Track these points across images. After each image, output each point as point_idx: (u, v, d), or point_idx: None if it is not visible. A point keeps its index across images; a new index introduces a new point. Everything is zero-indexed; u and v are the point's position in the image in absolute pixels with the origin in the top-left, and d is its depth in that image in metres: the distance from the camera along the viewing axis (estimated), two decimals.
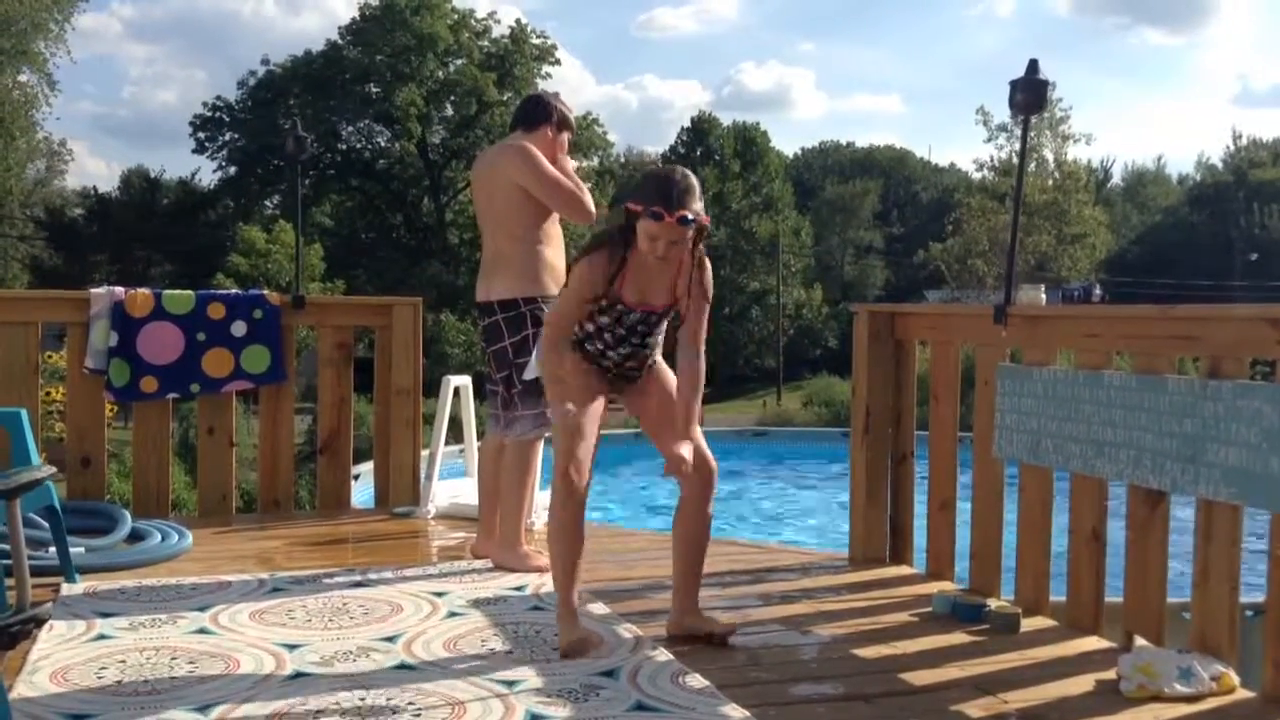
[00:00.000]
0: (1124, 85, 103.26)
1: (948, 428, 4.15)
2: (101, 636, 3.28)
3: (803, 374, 40.03)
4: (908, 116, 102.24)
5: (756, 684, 2.99)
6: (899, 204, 58.20)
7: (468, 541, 4.58)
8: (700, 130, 46.72)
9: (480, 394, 5.23)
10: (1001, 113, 31.13)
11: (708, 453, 3.39)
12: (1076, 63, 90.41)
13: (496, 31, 43.72)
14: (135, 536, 4.48)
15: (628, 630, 3.39)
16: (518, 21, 44.38)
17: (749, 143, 46.63)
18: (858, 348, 4.46)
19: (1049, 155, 33.69)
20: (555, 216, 4.22)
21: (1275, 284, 39.29)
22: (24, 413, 4.07)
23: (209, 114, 42.96)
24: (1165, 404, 3.17)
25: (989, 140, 39.81)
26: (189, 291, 5.22)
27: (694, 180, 3.17)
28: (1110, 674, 3.05)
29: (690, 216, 3.09)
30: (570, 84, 73.06)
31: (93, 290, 5.09)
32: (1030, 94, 3.71)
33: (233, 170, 43.11)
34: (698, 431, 3.38)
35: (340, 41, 42.04)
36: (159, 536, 4.47)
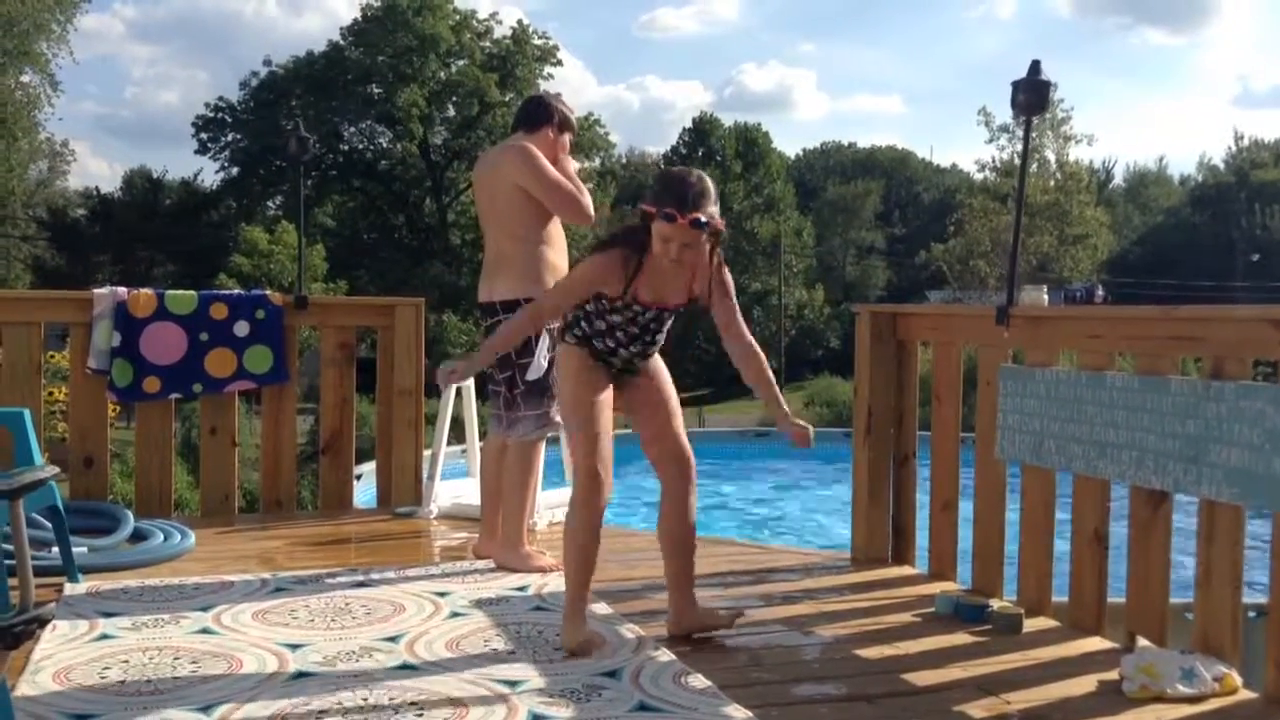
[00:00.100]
0: (1125, 86, 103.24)
1: (950, 428, 4.15)
2: (104, 636, 3.28)
3: (804, 374, 39.97)
4: (909, 117, 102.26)
5: (759, 684, 2.99)
6: (901, 204, 58.17)
7: (470, 542, 4.58)
8: (702, 131, 46.70)
9: (482, 394, 5.23)
10: (1003, 113, 31.14)
11: (686, 447, 3.41)
12: (1078, 63, 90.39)
13: (498, 32, 43.77)
14: (138, 536, 4.49)
15: (630, 630, 3.40)
16: (519, 22, 44.45)
17: (750, 143, 46.61)
18: (860, 348, 4.46)
19: (1051, 156, 33.71)
20: (557, 217, 4.23)
21: (1277, 284, 39.28)
22: (27, 413, 4.07)
23: (211, 114, 42.97)
24: (1168, 405, 3.17)
25: (991, 141, 39.90)
26: (191, 292, 5.23)
27: (709, 183, 3.16)
28: (1113, 674, 3.05)
29: (704, 220, 3.08)
30: (572, 85, 73.15)
31: (95, 290, 5.09)
32: (1032, 95, 3.71)
33: (235, 171, 43.12)
34: (679, 425, 3.42)
35: (342, 42, 42.05)
36: (161, 536, 4.47)
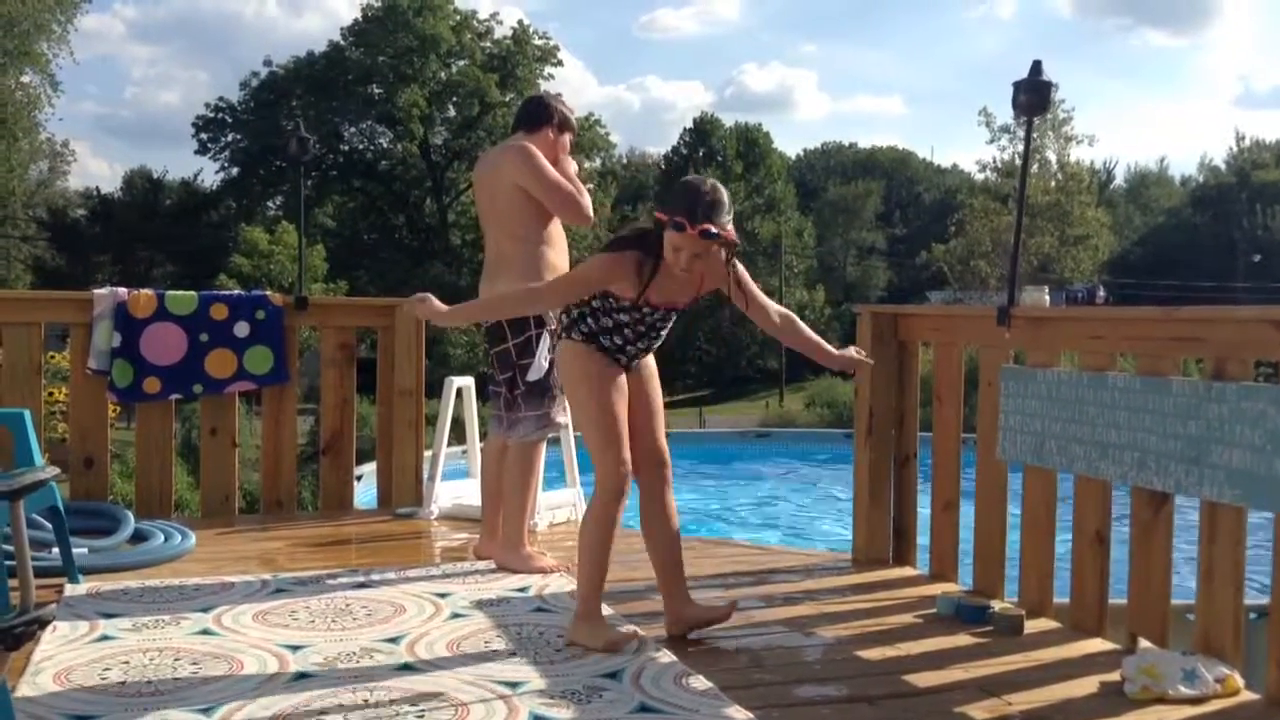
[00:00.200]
0: (1126, 86, 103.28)
1: (951, 429, 4.14)
2: (105, 637, 3.28)
3: (805, 375, 39.93)
4: (910, 118, 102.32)
5: (760, 685, 2.99)
6: (901, 205, 58.16)
7: (470, 543, 4.58)
8: (702, 131, 46.70)
9: (483, 395, 5.23)
10: (1004, 114, 31.13)
11: (664, 447, 3.43)
12: (1079, 64, 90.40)
13: (499, 32, 43.78)
14: (138, 537, 4.49)
15: (631, 630, 3.39)
16: (520, 23, 44.46)
17: (751, 144, 46.61)
18: (861, 349, 4.45)
19: (1052, 156, 33.71)
20: (557, 217, 4.22)
21: (1278, 285, 39.27)
22: (27, 413, 4.06)
23: (211, 115, 42.99)
24: (1169, 406, 3.16)
25: (992, 141, 39.83)
26: (192, 292, 5.23)
27: (724, 195, 3.14)
28: (1114, 676, 3.04)
29: (714, 231, 3.07)
30: (572, 85, 73.20)
31: (96, 291, 5.09)
32: (1034, 95, 3.70)
33: (235, 171, 43.14)
34: (660, 425, 3.45)
35: (343, 42, 42.06)
36: (162, 537, 4.47)
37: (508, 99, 39.78)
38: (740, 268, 3.29)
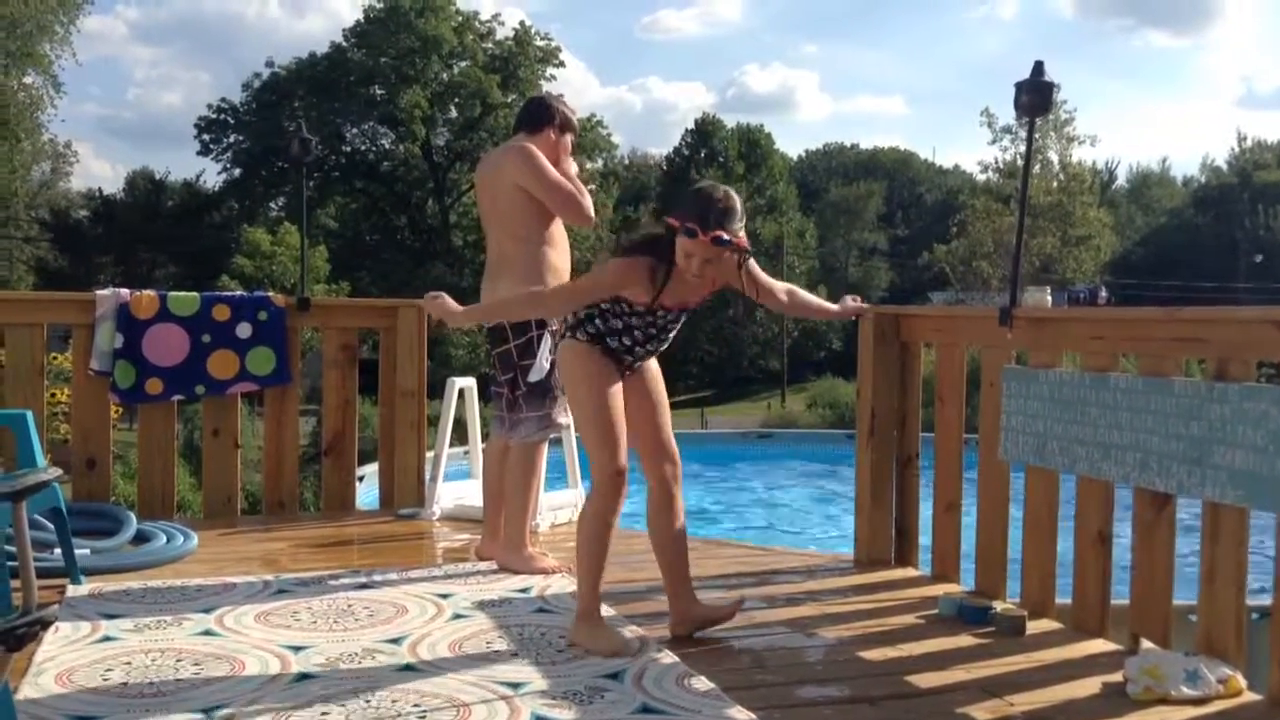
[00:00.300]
0: (1128, 87, 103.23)
1: (953, 430, 4.14)
2: (107, 638, 3.28)
3: (807, 376, 39.97)
4: (912, 118, 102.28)
5: (762, 686, 2.99)
6: (903, 206, 58.15)
7: (472, 543, 4.58)
8: (704, 132, 46.70)
9: (485, 396, 5.23)
10: (1006, 114, 31.13)
11: (674, 445, 3.43)
12: (1080, 64, 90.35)
13: (501, 34, 43.79)
14: (140, 538, 4.49)
15: (632, 632, 3.39)
16: (522, 23, 44.47)
17: (753, 145, 46.61)
18: (863, 350, 4.46)
19: (1054, 157, 33.71)
20: (558, 218, 4.22)
21: None
22: (30, 414, 4.06)
23: (214, 116, 43.04)
24: (1171, 406, 3.16)
25: (993, 142, 39.78)
26: (194, 293, 5.23)
27: (736, 202, 3.15)
28: (1117, 676, 3.04)
29: (726, 238, 3.08)
30: (574, 86, 73.22)
31: (98, 292, 5.09)
32: (1036, 96, 3.70)
33: (237, 172, 43.18)
34: (668, 422, 3.46)
35: (345, 44, 42.09)
36: (164, 538, 4.47)
37: (510, 100, 39.80)
38: (752, 265, 3.34)
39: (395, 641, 3.29)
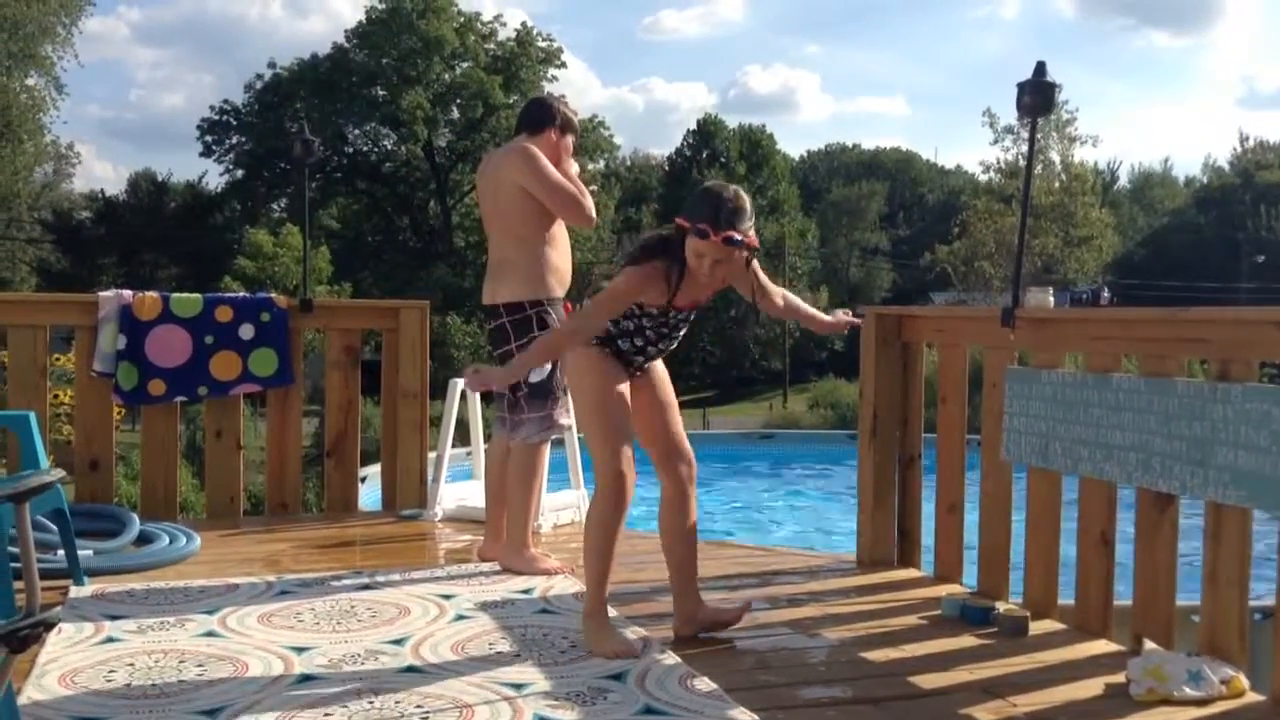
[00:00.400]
0: (1130, 87, 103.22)
1: (955, 430, 4.14)
2: (110, 639, 3.28)
3: (809, 376, 39.95)
4: (913, 119, 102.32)
5: (765, 687, 2.99)
6: (905, 206, 58.14)
7: (475, 544, 4.58)
8: (706, 133, 46.69)
9: (487, 396, 5.23)
10: (1008, 115, 31.11)
11: (687, 445, 3.43)
12: (1082, 65, 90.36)
13: (502, 34, 43.78)
14: (143, 539, 4.49)
15: (635, 633, 3.39)
16: (523, 24, 44.46)
17: (755, 145, 46.60)
18: (865, 350, 4.46)
19: (1055, 157, 33.66)
20: (560, 219, 4.22)
21: None
22: (33, 416, 4.07)
23: (216, 117, 43.06)
24: (1174, 407, 3.16)
25: (995, 142, 39.79)
26: (197, 295, 5.23)
27: (746, 201, 3.16)
28: (1119, 677, 3.04)
29: (737, 237, 3.09)
30: (576, 86, 73.20)
31: (100, 293, 5.10)
32: (1038, 96, 3.70)
33: (240, 173, 43.20)
34: (679, 422, 3.46)
35: (347, 45, 42.07)
36: (167, 539, 4.48)
37: (511, 101, 39.80)
38: (755, 265, 3.33)
39: (398, 642, 3.29)
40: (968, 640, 3.45)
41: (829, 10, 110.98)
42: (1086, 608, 3.54)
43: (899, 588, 4.11)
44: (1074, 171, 33.80)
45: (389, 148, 43.78)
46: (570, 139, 4.26)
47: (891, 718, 2.81)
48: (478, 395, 5.63)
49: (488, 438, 4.85)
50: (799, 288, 45.28)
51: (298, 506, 5.38)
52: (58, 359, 9.09)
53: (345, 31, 43.02)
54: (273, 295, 5.35)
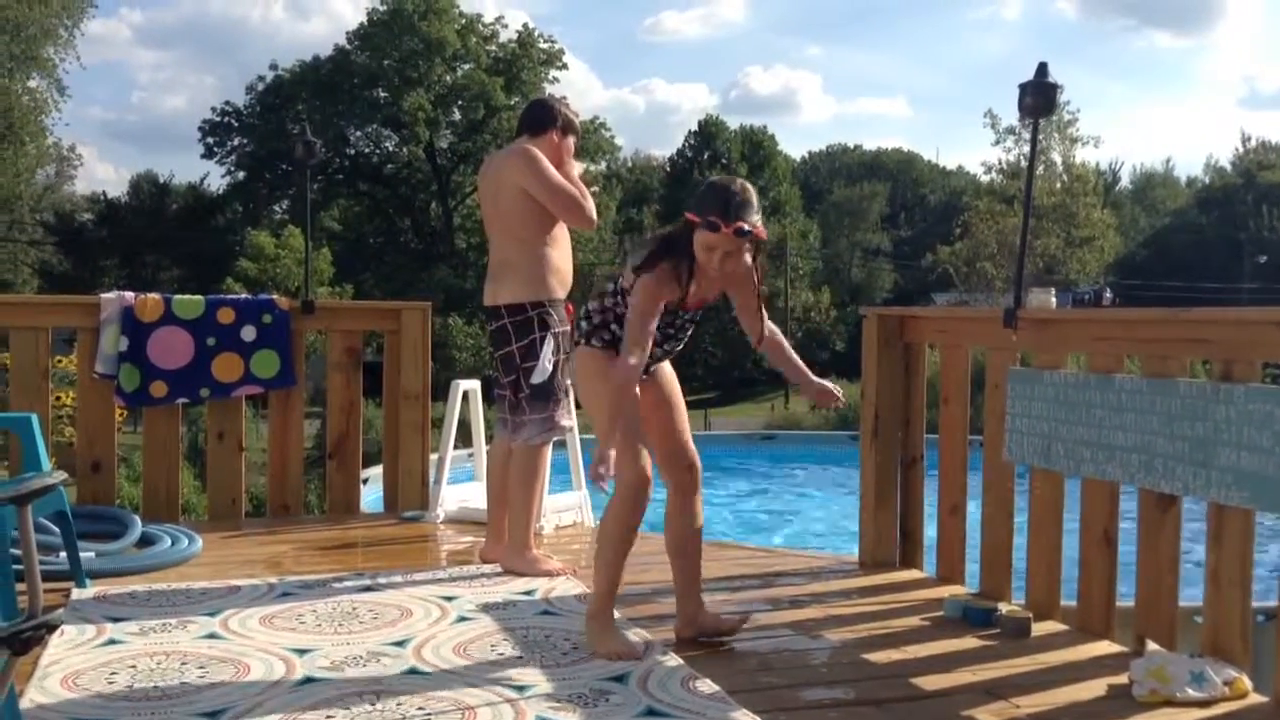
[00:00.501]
0: (1131, 88, 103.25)
1: (958, 431, 4.14)
2: (112, 641, 3.28)
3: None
4: (915, 119, 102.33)
5: (767, 689, 2.98)
6: (907, 207, 58.13)
7: (476, 546, 4.58)
8: (707, 134, 46.72)
9: (489, 398, 5.23)
10: (1009, 115, 31.08)
11: (693, 448, 3.42)
12: (1084, 65, 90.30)
13: (504, 36, 43.81)
14: (145, 541, 4.49)
15: (637, 635, 3.39)
16: (525, 26, 44.48)
17: (756, 146, 46.64)
18: (867, 351, 4.46)
19: (1057, 158, 33.64)
20: (561, 220, 4.22)
21: None
22: (35, 418, 4.07)
23: (218, 119, 43.08)
24: (1176, 407, 3.16)
25: (997, 143, 39.66)
26: (198, 296, 5.24)
27: (752, 193, 3.16)
28: (1122, 679, 3.04)
29: (747, 228, 3.09)
30: (577, 88, 73.34)
31: (103, 295, 5.10)
32: (1039, 97, 3.70)
33: (241, 175, 43.21)
34: (686, 425, 3.45)
35: (348, 47, 42.08)
36: (169, 541, 4.48)
37: (513, 102, 39.81)
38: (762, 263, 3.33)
39: (400, 644, 3.29)
40: (970, 641, 3.45)
41: (830, 11, 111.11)
42: (1089, 609, 3.53)
43: (901, 589, 4.11)
44: (1076, 172, 33.79)
45: (390, 149, 43.80)
46: (572, 140, 4.26)
47: (894, 719, 2.81)
48: (479, 397, 5.63)
49: (489, 439, 4.85)
50: (800, 289, 45.38)
51: (299, 508, 5.38)
52: (60, 361, 9.09)
53: (347, 33, 43.06)
54: (274, 297, 5.36)
